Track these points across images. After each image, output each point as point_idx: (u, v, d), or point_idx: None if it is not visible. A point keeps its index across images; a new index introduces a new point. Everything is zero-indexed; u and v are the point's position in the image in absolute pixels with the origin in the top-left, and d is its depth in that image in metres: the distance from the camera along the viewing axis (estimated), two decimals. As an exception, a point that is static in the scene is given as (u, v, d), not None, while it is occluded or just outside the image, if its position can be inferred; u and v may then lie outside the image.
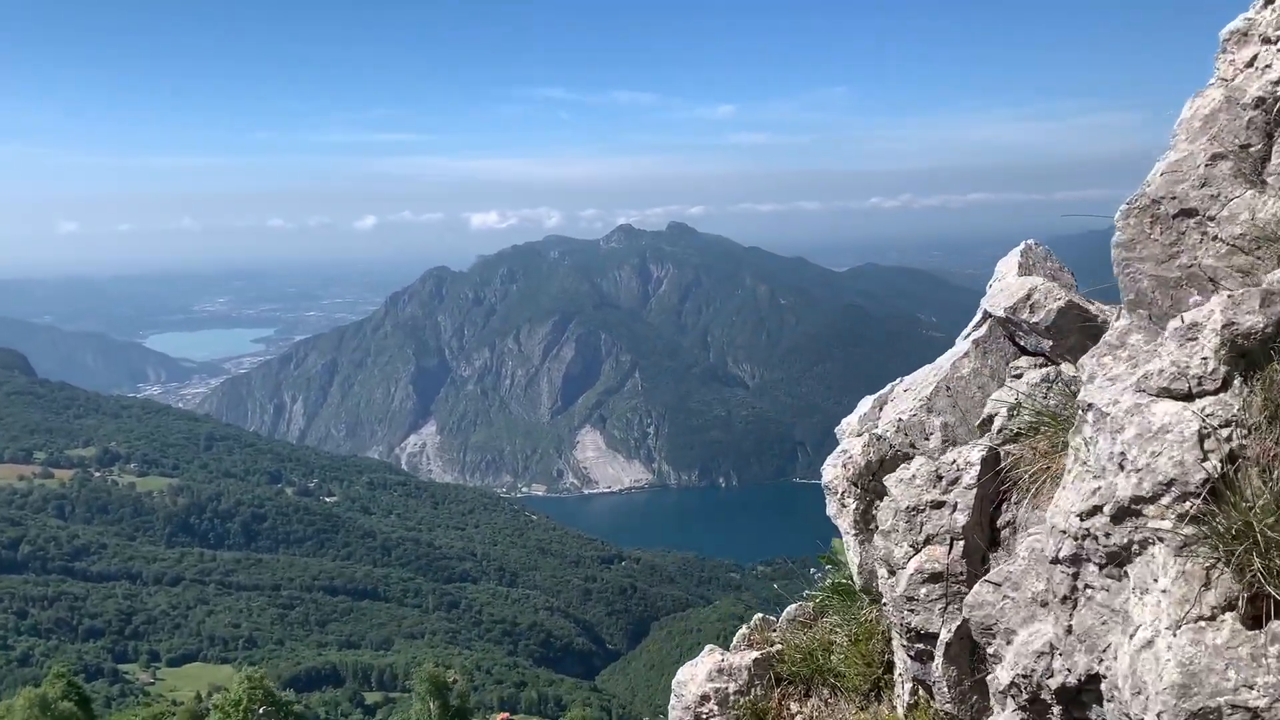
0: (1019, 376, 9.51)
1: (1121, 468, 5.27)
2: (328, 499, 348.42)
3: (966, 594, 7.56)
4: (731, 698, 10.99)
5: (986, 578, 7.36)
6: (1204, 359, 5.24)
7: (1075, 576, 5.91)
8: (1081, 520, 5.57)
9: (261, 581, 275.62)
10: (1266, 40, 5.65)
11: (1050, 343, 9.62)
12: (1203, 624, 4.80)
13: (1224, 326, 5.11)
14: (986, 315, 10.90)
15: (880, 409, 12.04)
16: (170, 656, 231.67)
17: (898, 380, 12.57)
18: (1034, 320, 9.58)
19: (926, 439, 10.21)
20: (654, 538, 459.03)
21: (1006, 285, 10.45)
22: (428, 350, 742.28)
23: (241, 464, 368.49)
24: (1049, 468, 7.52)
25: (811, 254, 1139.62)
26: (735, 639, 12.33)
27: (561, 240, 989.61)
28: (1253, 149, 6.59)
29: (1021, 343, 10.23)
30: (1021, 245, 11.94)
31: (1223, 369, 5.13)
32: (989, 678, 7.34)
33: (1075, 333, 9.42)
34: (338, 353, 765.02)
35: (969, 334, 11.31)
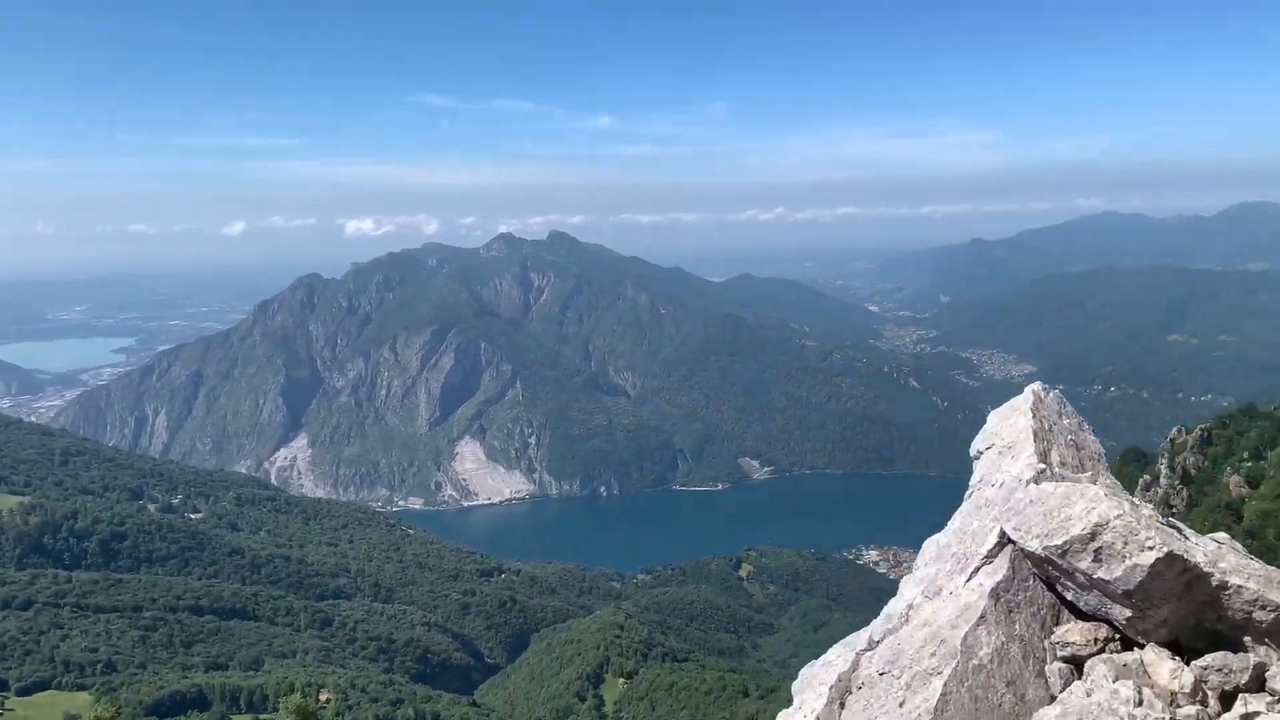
0: (1078, 670, 6.28)
1: None
2: (193, 515, 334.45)
3: None
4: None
5: None
6: None
7: None
8: None
9: (121, 603, 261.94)
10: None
11: (1130, 611, 6.63)
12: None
13: None
14: (1005, 540, 8.06)
15: (842, 704, 8.20)
16: (20, 685, 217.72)
17: (857, 639, 8.83)
18: (1105, 577, 6.55)
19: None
20: (535, 549, 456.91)
21: (1045, 502, 7.32)
22: (299, 360, 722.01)
23: (100, 480, 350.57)
24: None
25: (690, 264, 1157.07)
26: None
27: (440, 248, 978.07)
28: None
29: (1070, 596, 7.34)
30: (1029, 394, 8.93)
31: None
32: None
33: (1174, 599, 6.43)
34: (203, 363, 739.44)
35: (977, 565, 8.42)
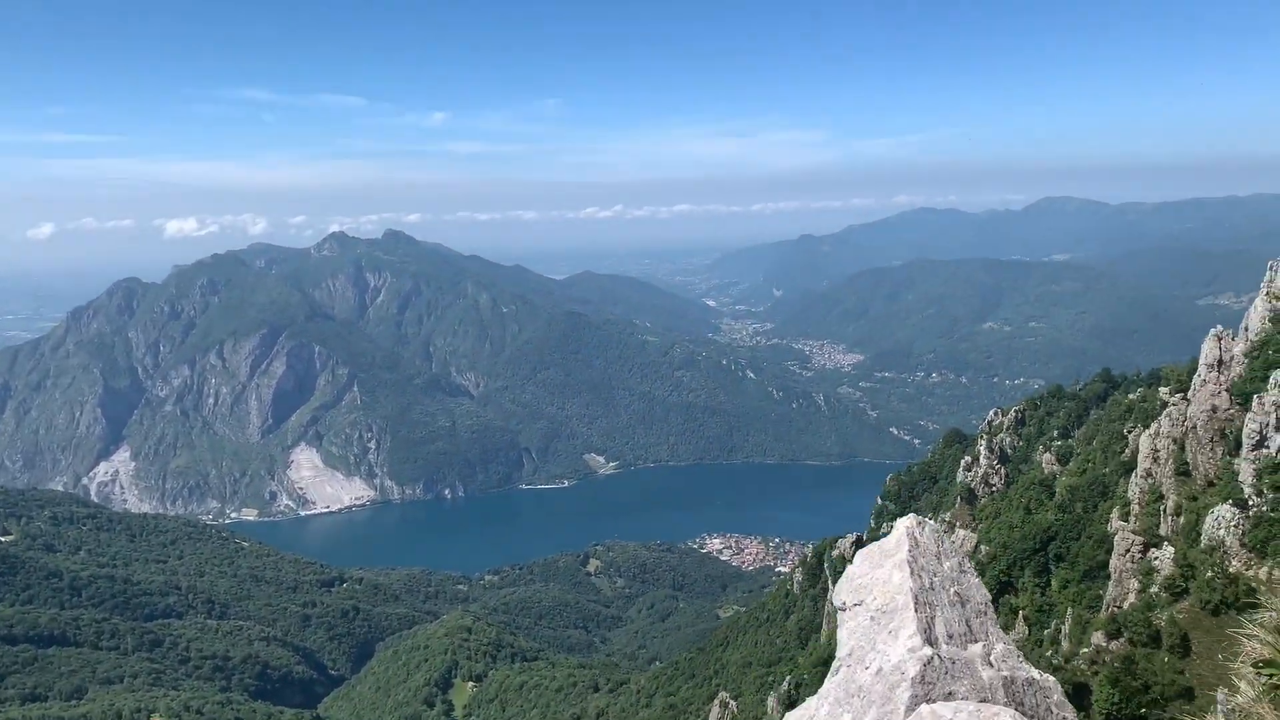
0: None
1: None
2: (3, 538, 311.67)
3: None
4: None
5: None
6: None
7: None
8: None
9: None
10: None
11: None
12: None
13: None
14: None
15: None
16: None
17: None
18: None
19: None
20: (378, 556, 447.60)
21: None
22: (118, 369, 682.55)
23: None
24: None
25: (531, 262, 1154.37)
26: None
27: (268, 248, 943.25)
28: None
29: None
30: (902, 536, 7.87)
31: None
32: None
33: None
34: (10, 375, 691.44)
35: None
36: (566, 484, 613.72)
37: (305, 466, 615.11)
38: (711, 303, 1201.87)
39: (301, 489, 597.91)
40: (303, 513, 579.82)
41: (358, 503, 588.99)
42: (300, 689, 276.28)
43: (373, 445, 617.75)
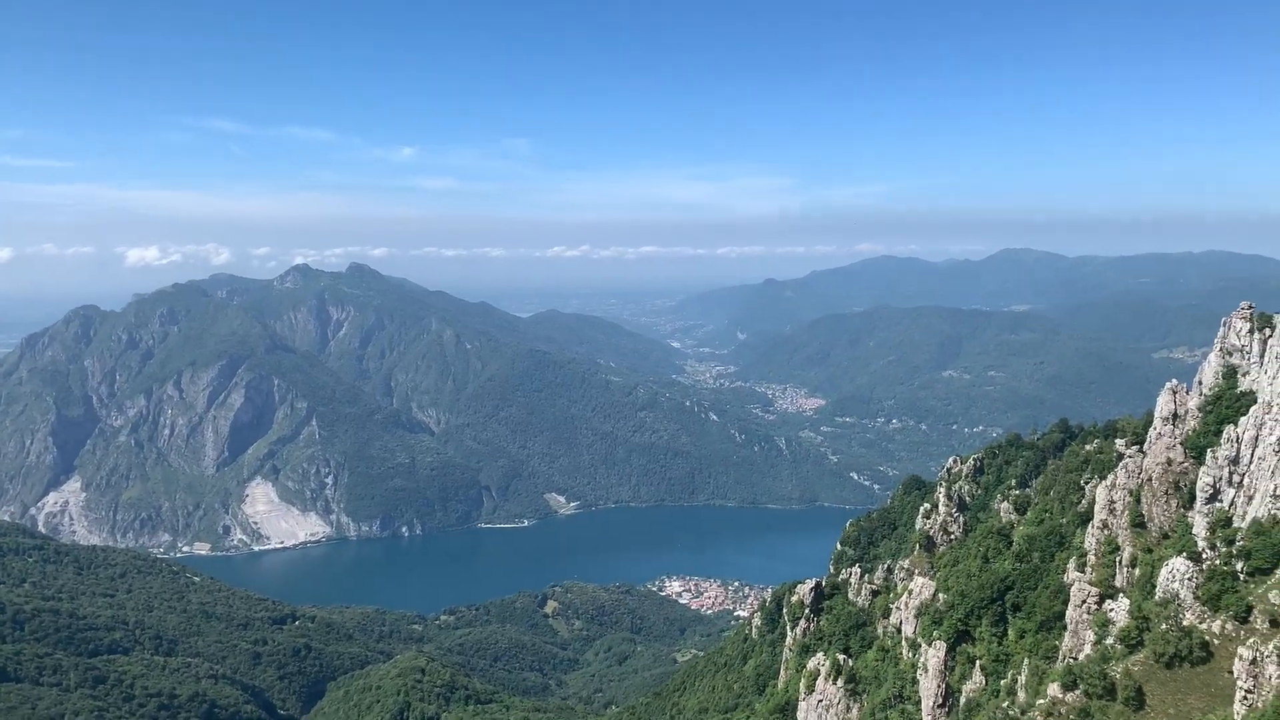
0: None
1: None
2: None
3: None
4: None
5: None
6: None
7: None
8: None
9: None
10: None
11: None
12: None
13: None
14: None
15: None
16: None
17: None
18: None
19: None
20: (332, 594, 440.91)
21: None
22: (71, 398, 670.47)
23: None
24: None
25: (496, 299, 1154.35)
26: None
27: (231, 279, 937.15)
28: None
29: None
30: None
31: None
32: None
33: None
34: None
35: None
36: (526, 523, 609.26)
37: (260, 500, 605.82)
38: (676, 344, 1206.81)
39: (256, 523, 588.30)
40: (256, 548, 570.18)
41: (313, 539, 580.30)
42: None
43: (330, 480, 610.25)
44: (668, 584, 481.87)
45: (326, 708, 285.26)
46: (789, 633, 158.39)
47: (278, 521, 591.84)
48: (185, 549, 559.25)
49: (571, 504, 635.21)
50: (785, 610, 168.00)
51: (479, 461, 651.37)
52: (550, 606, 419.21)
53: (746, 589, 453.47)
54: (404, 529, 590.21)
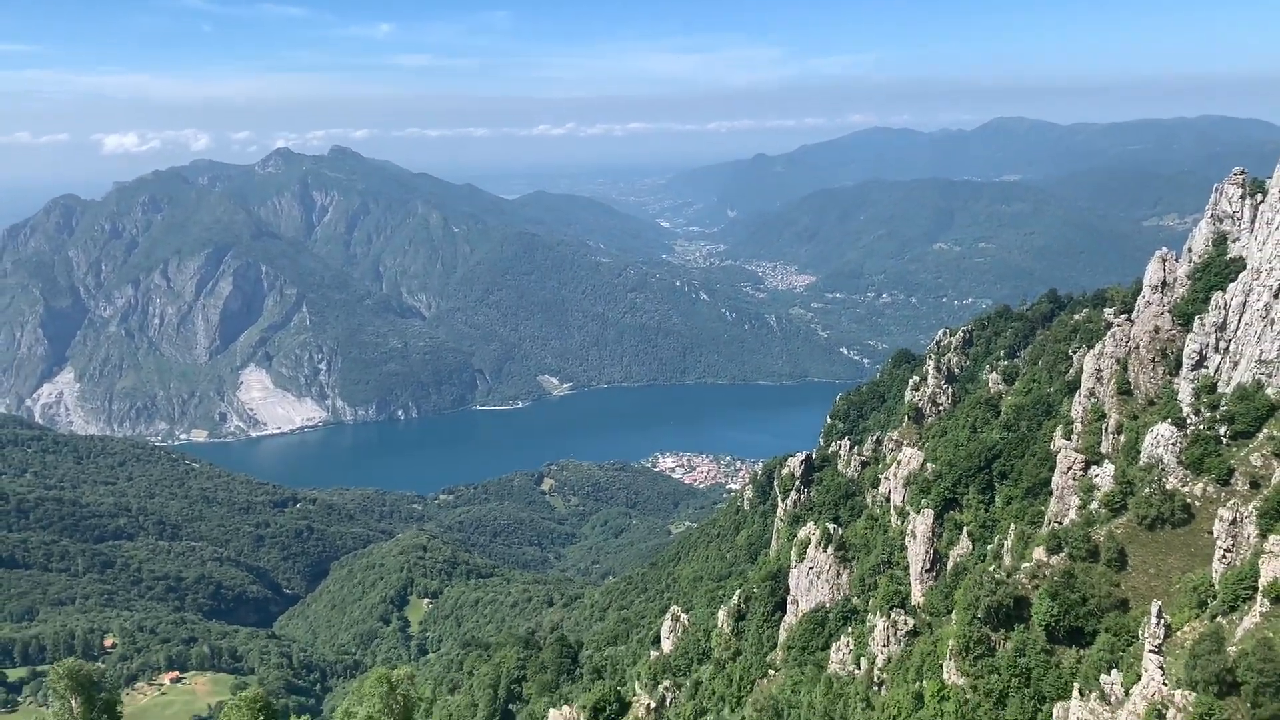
0: None
1: None
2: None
3: None
4: None
5: None
6: None
7: None
8: None
9: None
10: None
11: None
12: None
13: None
14: None
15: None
16: None
17: None
18: None
19: None
20: (331, 477, 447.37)
21: None
22: (58, 289, 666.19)
23: None
24: None
25: (482, 180, 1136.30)
26: None
27: (212, 165, 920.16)
28: None
29: None
30: None
31: None
32: None
33: None
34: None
35: None
36: (521, 405, 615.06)
37: (255, 388, 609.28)
38: (665, 223, 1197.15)
39: (252, 410, 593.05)
40: (253, 434, 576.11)
41: (309, 424, 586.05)
42: (255, 608, 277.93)
43: (323, 366, 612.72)
44: (661, 460, 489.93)
45: (331, 586, 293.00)
46: (780, 504, 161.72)
47: (274, 408, 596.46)
48: (183, 436, 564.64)
49: (565, 385, 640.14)
50: (776, 483, 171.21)
51: (471, 345, 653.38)
52: (547, 484, 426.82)
53: (738, 463, 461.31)
54: (400, 413, 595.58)
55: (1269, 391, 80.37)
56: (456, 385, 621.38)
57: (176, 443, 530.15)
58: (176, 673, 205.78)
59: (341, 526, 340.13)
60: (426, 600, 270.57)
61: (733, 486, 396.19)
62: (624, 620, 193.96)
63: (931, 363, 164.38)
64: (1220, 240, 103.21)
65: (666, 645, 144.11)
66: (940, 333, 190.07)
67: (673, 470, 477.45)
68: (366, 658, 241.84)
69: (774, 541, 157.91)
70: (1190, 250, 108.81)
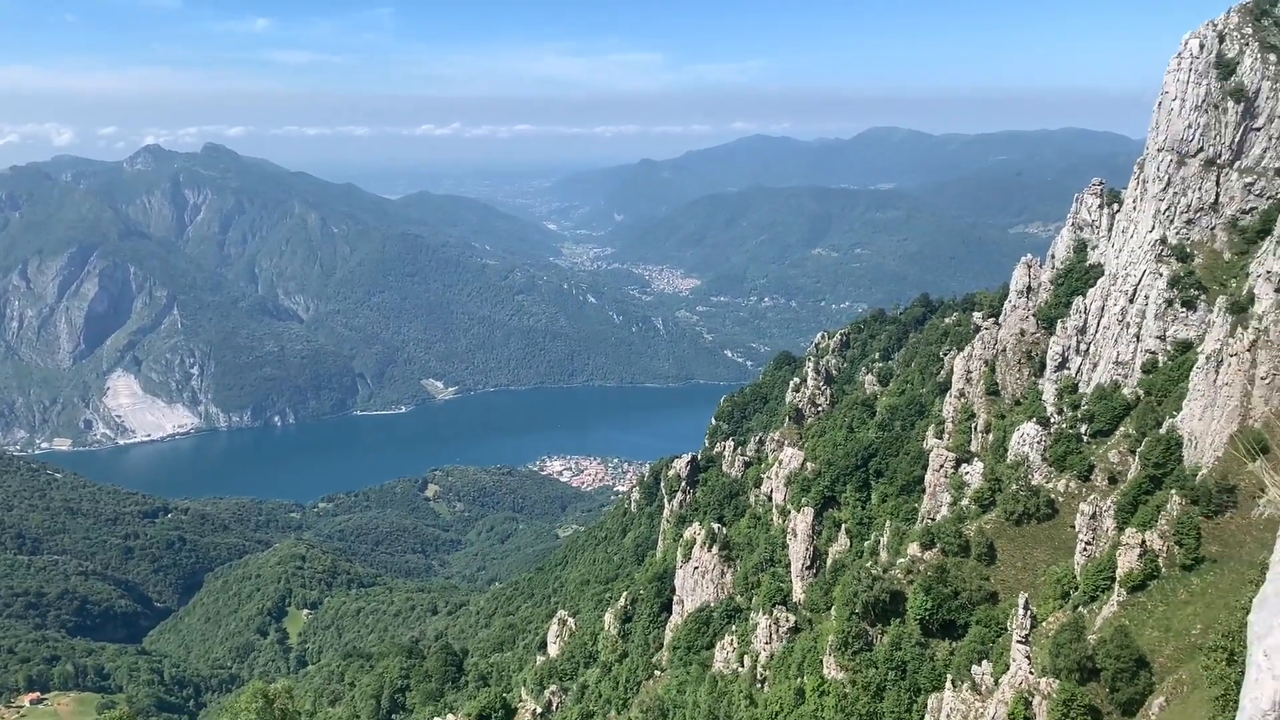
0: None
1: None
2: None
3: None
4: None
5: None
6: None
7: None
8: None
9: None
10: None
11: None
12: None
13: None
14: None
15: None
16: None
17: None
18: None
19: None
20: (205, 485, 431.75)
21: None
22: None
23: None
24: None
25: (363, 180, 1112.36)
26: None
27: (76, 161, 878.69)
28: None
29: None
30: None
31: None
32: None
33: None
34: None
35: None
36: (404, 409, 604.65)
37: (123, 393, 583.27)
38: (553, 226, 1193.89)
39: (119, 417, 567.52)
40: (121, 442, 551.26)
41: (181, 431, 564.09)
42: (124, 623, 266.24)
43: (196, 371, 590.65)
44: (548, 463, 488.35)
45: (205, 598, 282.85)
46: (666, 505, 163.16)
47: (143, 414, 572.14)
48: (44, 445, 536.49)
49: (450, 389, 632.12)
50: (663, 484, 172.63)
51: (352, 348, 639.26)
52: (431, 490, 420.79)
53: (625, 465, 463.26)
54: (276, 418, 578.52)
55: (1125, 391, 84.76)
56: (336, 390, 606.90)
57: (37, 452, 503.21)
58: (37, 694, 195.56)
59: (215, 537, 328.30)
60: (306, 611, 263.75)
61: (620, 489, 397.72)
62: (510, 626, 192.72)
63: (811, 365, 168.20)
64: (1081, 247, 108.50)
65: (553, 650, 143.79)
66: (819, 336, 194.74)
67: (560, 474, 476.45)
68: (243, 671, 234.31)
69: (660, 543, 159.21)
70: (1053, 257, 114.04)
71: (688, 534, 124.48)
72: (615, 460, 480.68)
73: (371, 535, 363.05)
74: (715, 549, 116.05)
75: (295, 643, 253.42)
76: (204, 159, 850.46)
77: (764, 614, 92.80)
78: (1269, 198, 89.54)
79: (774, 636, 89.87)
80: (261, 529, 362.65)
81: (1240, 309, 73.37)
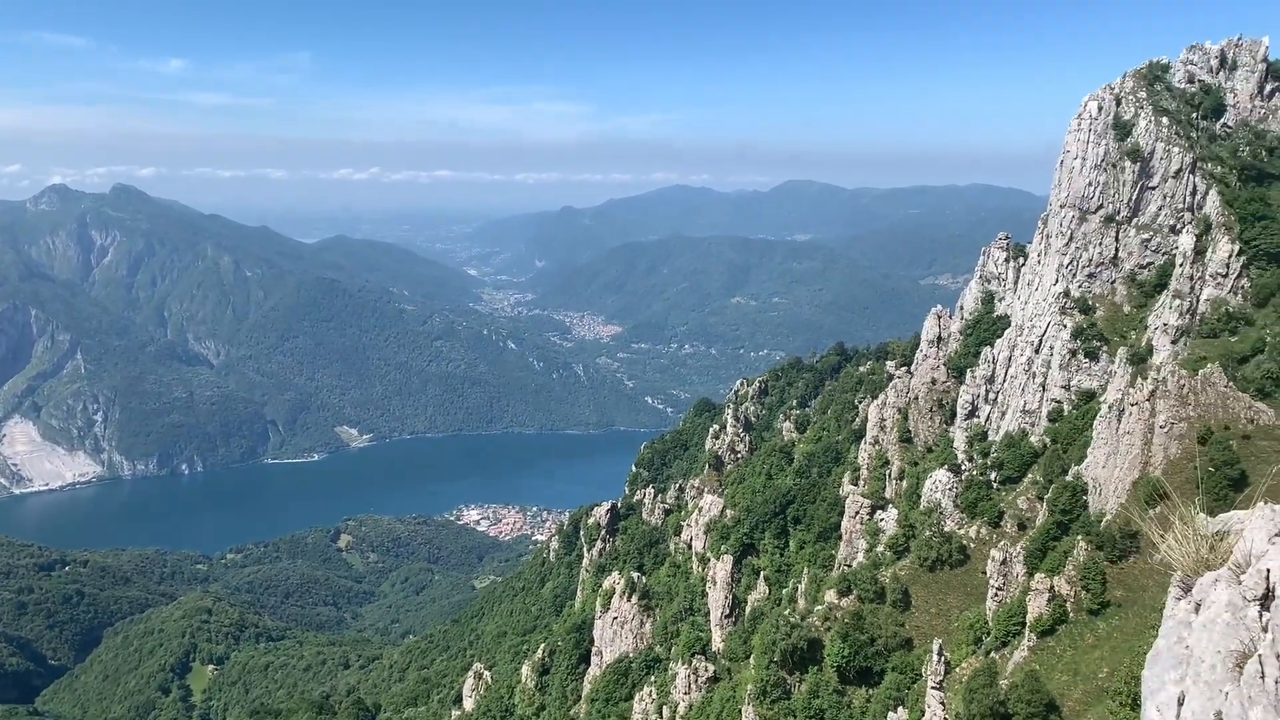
0: None
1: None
2: None
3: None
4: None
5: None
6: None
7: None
8: None
9: None
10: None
11: None
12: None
13: None
14: None
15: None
16: None
17: None
18: None
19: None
20: (106, 537, 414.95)
21: None
22: None
23: None
24: None
25: (279, 224, 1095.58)
26: None
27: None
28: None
29: None
30: None
31: None
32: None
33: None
34: None
35: None
36: (317, 457, 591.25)
37: (20, 440, 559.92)
38: (473, 271, 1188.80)
39: (15, 465, 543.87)
40: (17, 491, 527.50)
41: (82, 479, 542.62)
42: (15, 682, 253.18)
43: (99, 418, 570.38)
44: (465, 512, 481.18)
45: (104, 655, 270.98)
46: (586, 554, 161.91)
47: (41, 462, 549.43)
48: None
49: (364, 436, 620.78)
50: (582, 532, 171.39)
51: (263, 395, 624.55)
52: (344, 540, 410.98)
53: (544, 514, 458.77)
54: (183, 466, 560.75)
55: (1033, 439, 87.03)
56: (246, 437, 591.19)
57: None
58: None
59: (116, 590, 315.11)
60: (211, 667, 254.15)
61: (539, 538, 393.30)
62: (424, 680, 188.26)
63: (730, 412, 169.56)
64: (989, 299, 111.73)
65: (468, 704, 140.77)
66: (738, 383, 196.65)
67: (478, 523, 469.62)
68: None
69: (579, 592, 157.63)
70: (962, 308, 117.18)
71: (607, 583, 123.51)
72: (534, 509, 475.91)
73: (281, 587, 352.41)
74: (634, 598, 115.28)
75: (199, 700, 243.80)
76: (113, 200, 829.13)
77: (683, 664, 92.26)
78: (1164, 253, 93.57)
79: (693, 686, 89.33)
80: (166, 581, 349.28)
81: (1140, 359, 76.18)
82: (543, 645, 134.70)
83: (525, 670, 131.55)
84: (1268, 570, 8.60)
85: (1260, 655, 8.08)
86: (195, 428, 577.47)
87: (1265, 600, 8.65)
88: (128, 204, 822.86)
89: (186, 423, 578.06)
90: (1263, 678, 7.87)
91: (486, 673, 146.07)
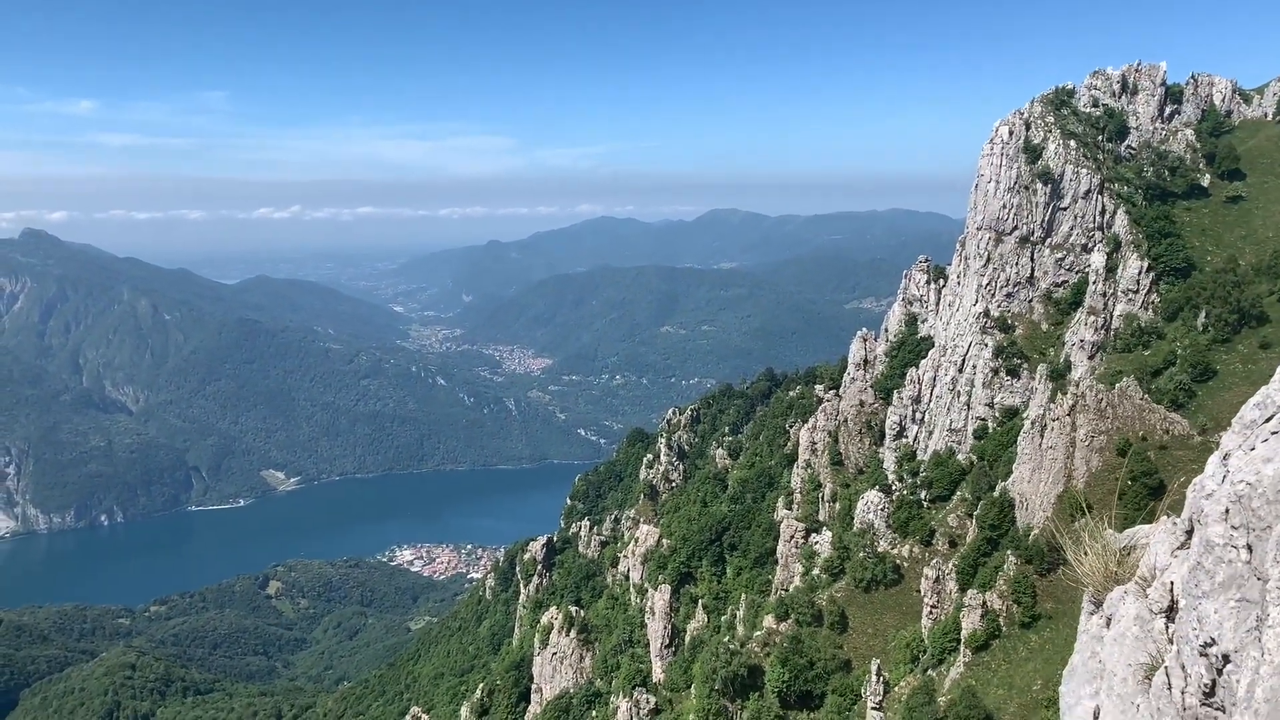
0: None
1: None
2: None
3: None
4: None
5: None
6: None
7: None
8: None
9: None
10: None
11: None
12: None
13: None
14: None
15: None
16: None
17: None
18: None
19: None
20: (21, 594, 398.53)
21: None
22: None
23: None
24: None
25: (197, 265, 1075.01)
26: None
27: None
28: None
29: None
30: None
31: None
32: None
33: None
34: None
35: None
36: (243, 503, 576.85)
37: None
38: (399, 308, 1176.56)
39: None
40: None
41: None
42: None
43: (11, 470, 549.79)
44: (398, 553, 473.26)
45: (21, 717, 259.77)
46: (522, 590, 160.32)
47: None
48: None
49: (292, 479, 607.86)
50: (518, 568, 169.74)
51: (185, 440, 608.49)
52: (273, 587, 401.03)
53: (480, 551, 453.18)
54: (103, 517, 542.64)
55: (960, 457, 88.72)
56: (169, 485, 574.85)
57: None
58: None
59: (34, 649, 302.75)
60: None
61: (475, 576, 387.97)
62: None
63: (663, 441, 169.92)
64: (912, 320, 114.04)
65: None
66: (670, 411, 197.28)
67: (411, 563, 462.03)
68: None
69: (517, 629, 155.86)
70: (887, 330, 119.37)
71: (545, 618, 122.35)
72: (469, 546, 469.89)
73: (209, 638, 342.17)
74: (573, 632, 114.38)
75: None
76: (22, 245, 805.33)
77: (624, 697, 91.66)
78: (1078, 271, 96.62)
79: (635, 719, 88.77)
80: (86, 638, 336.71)
81: (1059, 375, 78.37)
82: (481, 685, 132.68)
83: (464, 712, 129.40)
84: (1170, 583, 8.86)
85: (1166, 667, 8.27)
86: (114, 477, 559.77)
87: (1170, 612, 8.87)
88: (38, 248, 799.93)
89: (105, 472, 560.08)
90: (1169, 689, 8.05)
91: (424, 716, 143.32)
